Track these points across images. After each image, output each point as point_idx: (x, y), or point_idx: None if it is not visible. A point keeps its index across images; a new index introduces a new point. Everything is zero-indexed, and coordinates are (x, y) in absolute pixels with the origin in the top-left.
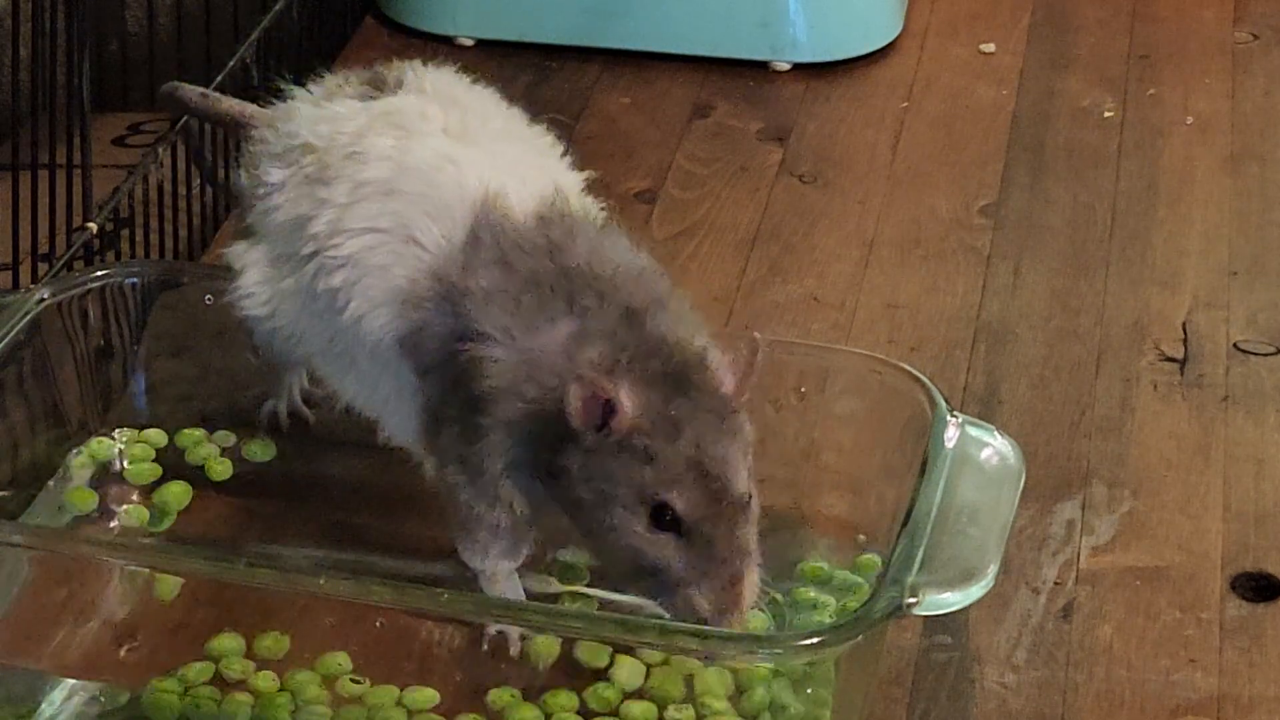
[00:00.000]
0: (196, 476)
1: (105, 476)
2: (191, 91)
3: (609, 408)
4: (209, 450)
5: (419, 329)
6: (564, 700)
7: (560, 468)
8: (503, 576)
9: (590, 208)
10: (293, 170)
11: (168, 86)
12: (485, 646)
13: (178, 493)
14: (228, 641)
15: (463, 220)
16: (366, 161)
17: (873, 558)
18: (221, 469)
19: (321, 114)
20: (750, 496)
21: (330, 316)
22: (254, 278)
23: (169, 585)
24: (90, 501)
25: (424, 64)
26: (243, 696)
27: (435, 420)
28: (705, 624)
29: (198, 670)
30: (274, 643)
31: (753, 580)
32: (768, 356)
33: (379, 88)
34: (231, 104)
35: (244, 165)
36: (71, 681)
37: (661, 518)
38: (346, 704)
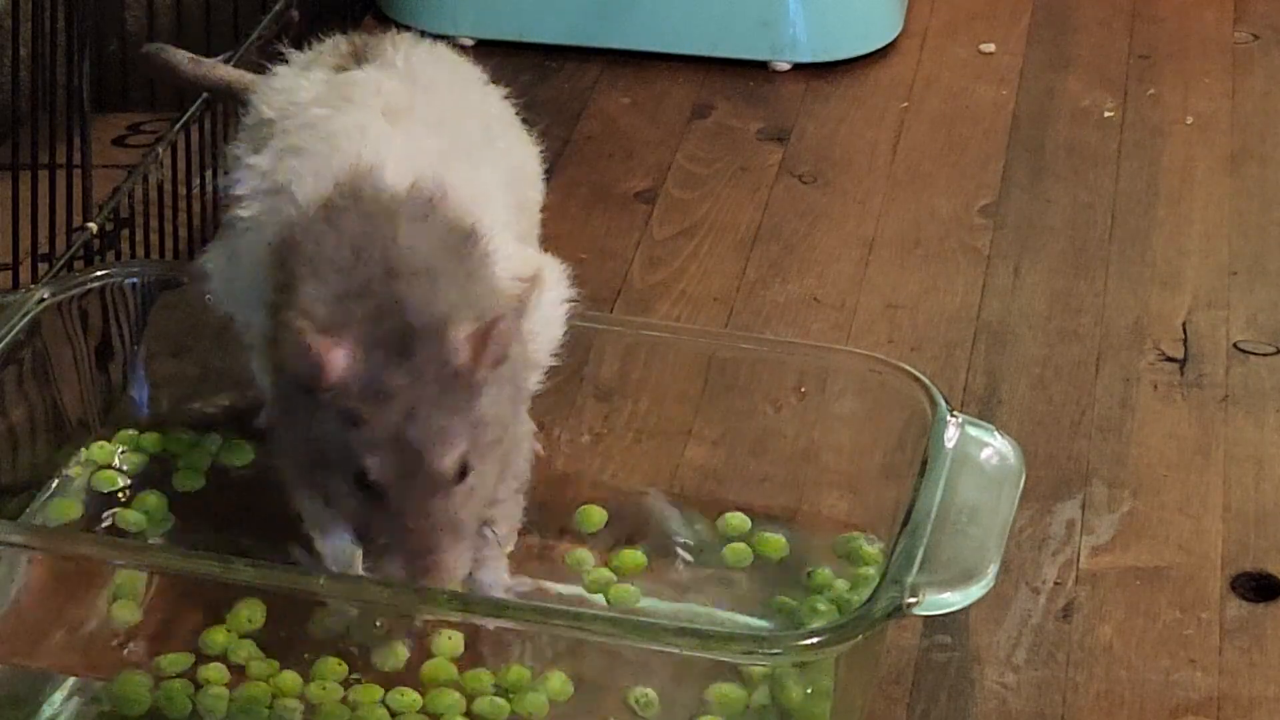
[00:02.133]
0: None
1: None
2: (179, 55)
3: (317, 364)
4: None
5: (274, 288)
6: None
7: (294, 419)
8: (331, 545)
9: (489, 215)
10: (252, 144)
11: (153, 47)
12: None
13: (153, 503)
14: (217, 635)
15: (332, 182)
16: (295, 130)
17: (871, 549)
18: (190, 480)
19: (285, 85)
20: (464, 471)
21: (241, 282)
22: (211, 259)
23: (129, 609)
24: (73, 511)
25: (418, 38)
26: (217, 690)
27: (273, 388)
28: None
29: (170, 660)
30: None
31: (454, 555)
32: (512, 330)
33: (357, 59)
34: (225, 71)
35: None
36: (71, 681)
37: (363, 481)
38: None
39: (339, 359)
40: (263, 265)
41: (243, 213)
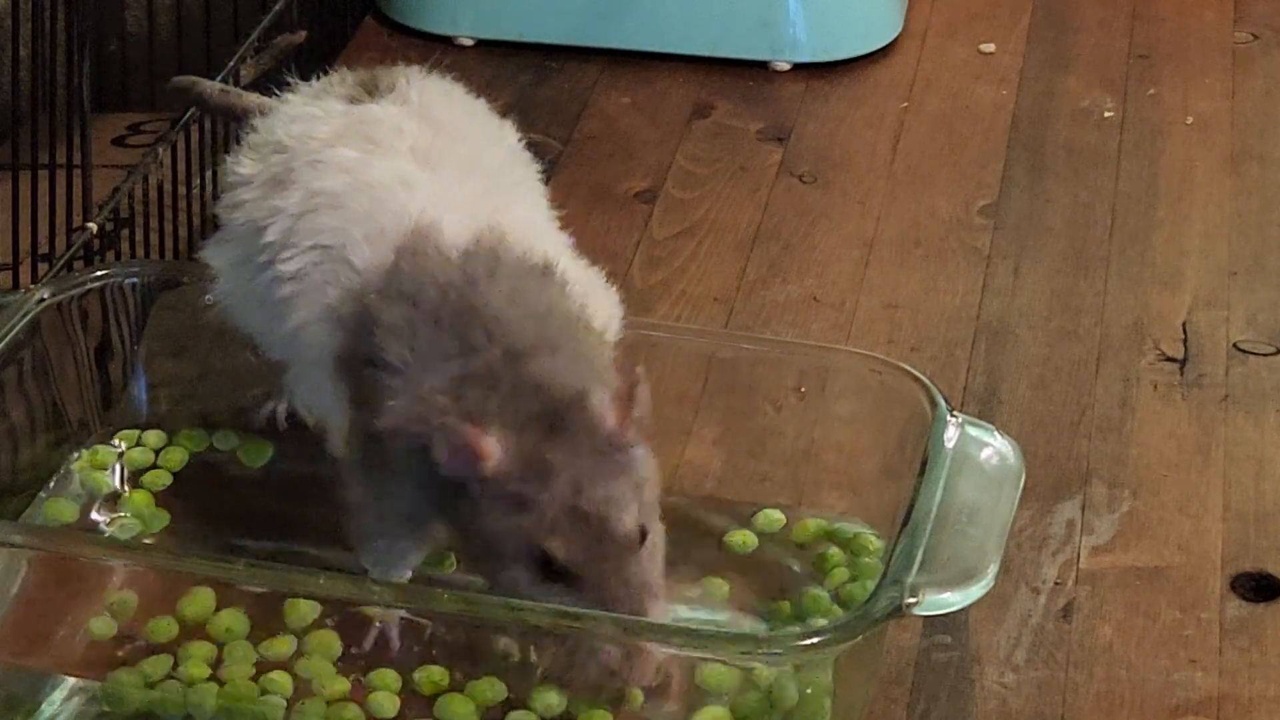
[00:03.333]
0: (197, 474)
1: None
2: (210, 87)
3: (472, 454)
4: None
5: (345, 349)
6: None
7: (453, 513)
8: (392, 570)
9: (545, 244)
10: (262, 168)
11: (183, 81)
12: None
13: (141, 501)
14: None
15: (392, 246)
16: (325, 172)
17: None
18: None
19: (300, 113)
20: (644, 533)
21: (280, 325)
22: (224, 282)
23: (107, 625)
24: (70, 514)
25: (423, 72)
26: (207, 686)
27: (354, 437)
28: (613, 675)
29: (152, 664)
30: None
31: (658, 616)
32: (647, 391)
33: (370, 91)
34: (251, 99)
35: (233, 153)
36: (72, 681)
37: (548, 566)
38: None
39: (494, 447)
40: (329, 325)
41: (283, 264)
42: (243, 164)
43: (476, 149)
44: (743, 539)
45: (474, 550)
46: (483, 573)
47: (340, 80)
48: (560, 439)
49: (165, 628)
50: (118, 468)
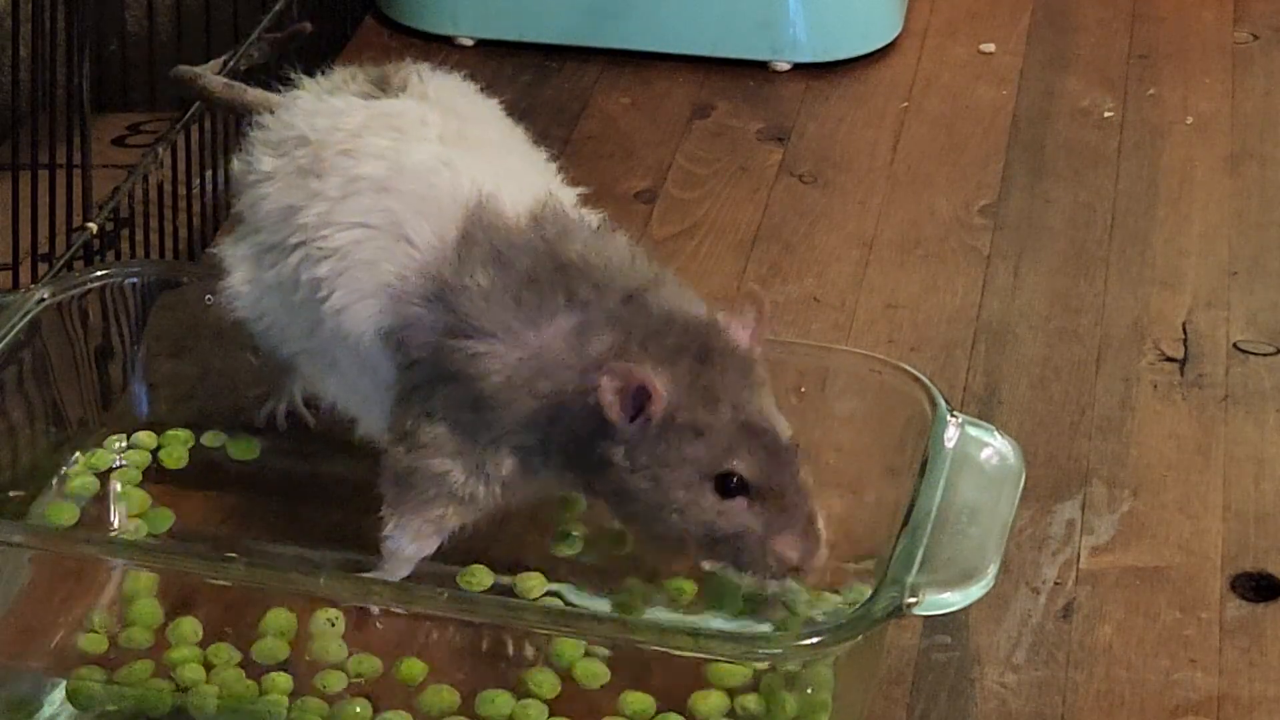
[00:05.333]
0: (197, 474)
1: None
2: (214, 81)
3: (643, 394)
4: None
5: (406, 325)
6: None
7: (601, 461)
8: (410, 562)
9: (583, 212)
10: (285, 160)
11: (186, 72)
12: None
13: (137, 498)
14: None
15: (455, 220)
16: (362, 158)
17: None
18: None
19: (321, 107)
20: (797, 443)
21: (312, 308)
22: (241, 274)
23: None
24: (70, 516)
25: (431, 69)
26: (164, 683)
27: (424, 412)
28: (797, 571)
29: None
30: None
31: (822, 517)
32: (772, 309)
33: (383, 88)
34: (255, 94)
35: (241, 151)
36: None
37: (728, 486)
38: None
39: (663, 382)
40: (382, 301)
41: (321, 242)
42: (262, 161)
43: (499, 136)
44: None
45: (631, 499)
46: (644, 520)
47: (350, 76)
48: (712, 365)
49: (140, 635)
50: (116, 469)
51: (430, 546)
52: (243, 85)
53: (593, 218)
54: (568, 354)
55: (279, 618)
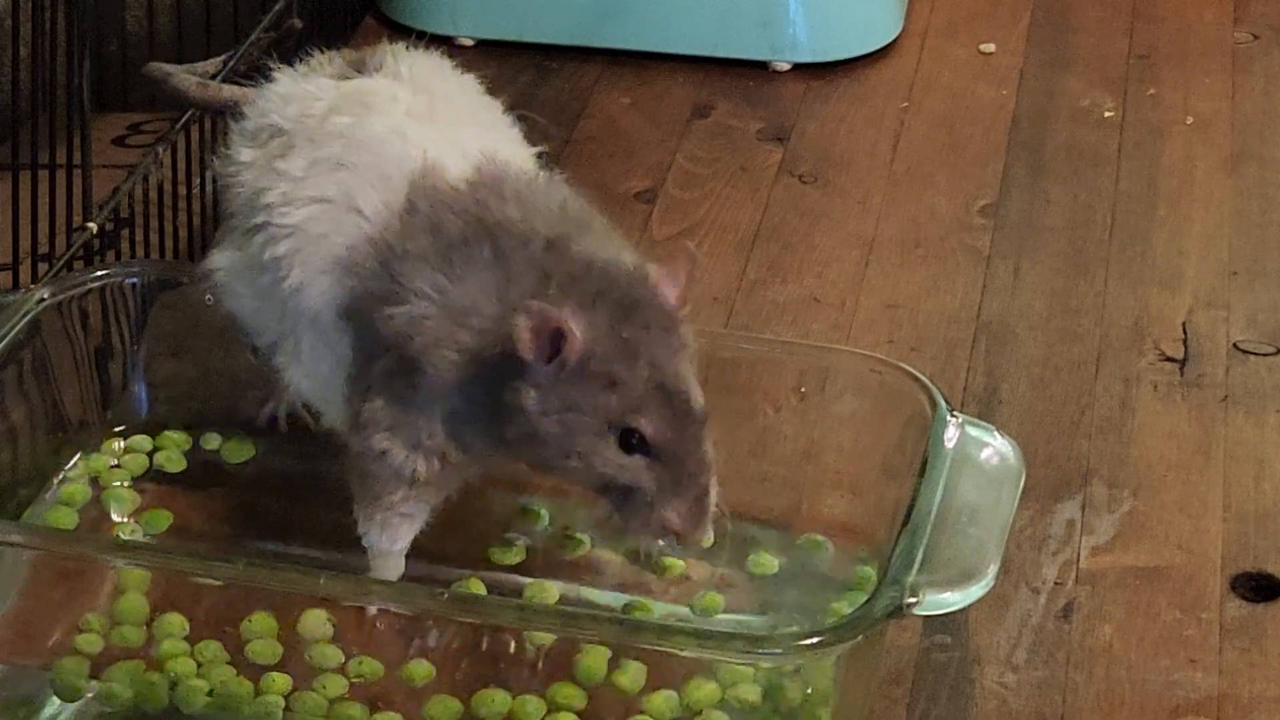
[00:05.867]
0: (196, 475)
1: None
2: (187, 80)
3: (558, 336)
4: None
5: (357, 297)
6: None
7: (513, 407)
8: (394, 556)
9: (529, 170)
10: (261, 150)
11: (156, 70)
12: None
13: (131, 500)
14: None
15: (401, 189)
16: (324, 141)
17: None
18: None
19: (295, 91)
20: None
21: (276, 288)
22: (223, 264)
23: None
24: (69, 520)
25: (409, 49)
26: (155, 677)
27: (366, 388)
28: (677, 539)
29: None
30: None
31: (715, 491)
32: (701, 267)
33: (359, 69)
34: (232, 91)
35: (223, 147)
36: None
37: (629, 441)
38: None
39: (578, 326)
40: (335, 275)
41: (281, 220)
42: (241, 152)
43: (468, 109)
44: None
45: (537, 443)
46: (545, 464)
47: (328, 60)
48: (634, 318)
49: (130, 633)
50: (113, 469)
51: (403, 537)
52: (218, 84)
53: (534, 172)
54: (487, 303)
55: (266, 620)
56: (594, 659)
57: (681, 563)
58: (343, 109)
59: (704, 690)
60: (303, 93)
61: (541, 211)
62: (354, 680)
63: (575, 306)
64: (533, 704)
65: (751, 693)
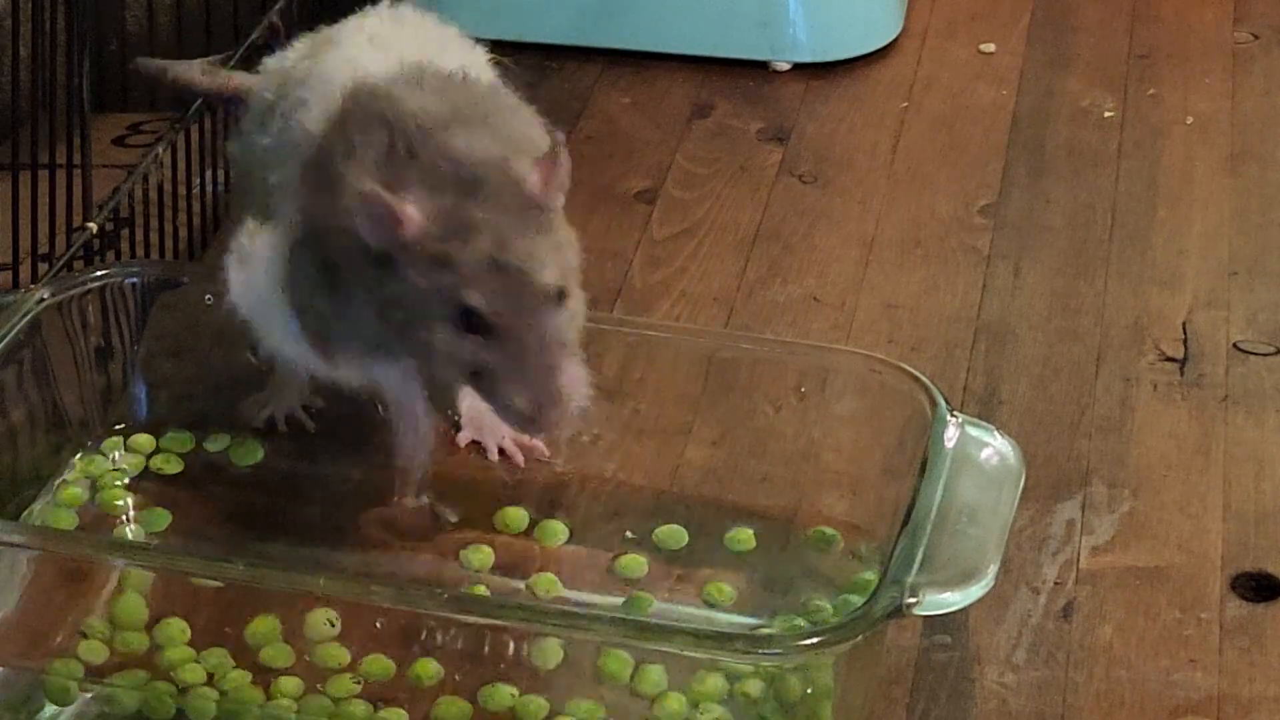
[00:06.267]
0: (195, 476)
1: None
2: (192, 69)
3: (392, 219)
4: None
5: (299, 213)
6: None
7: (380, 295)
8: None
9: (456, 69)
10: (261, 122)
11: (149, 65)
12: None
13: (109, 498)
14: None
15: (338, 101)
16: (295, 88)
17: (831, 532)
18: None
19: (276, 65)
20: (564, 292)
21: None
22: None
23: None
24: (69, 521)
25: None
26: (161, 685)
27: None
28: (531, 422)
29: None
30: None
31: (574, 374)
32: (567, 154)
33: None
34: (242, 78)
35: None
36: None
37: (469, 321)
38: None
39: (412, 211)
40: (292, 201)
41: (263, 140)
42: (246, 125)
43: (433, 43)
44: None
45: (400, 328)
46: (412, 352)
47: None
48: (480, 200)
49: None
50: (114, 471)
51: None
52: (227, 71)
53: (463, 72)
54: (351, 191)
55: (267, 623)
56: (616, 663)
57: (644, 560)
58: (312, 53)
59: (709, 683)
60: (281, 58)
61: (443, 100)
62: (355, 680)
63: (417, 190)
64: (536, 703)
65: (754, 687)
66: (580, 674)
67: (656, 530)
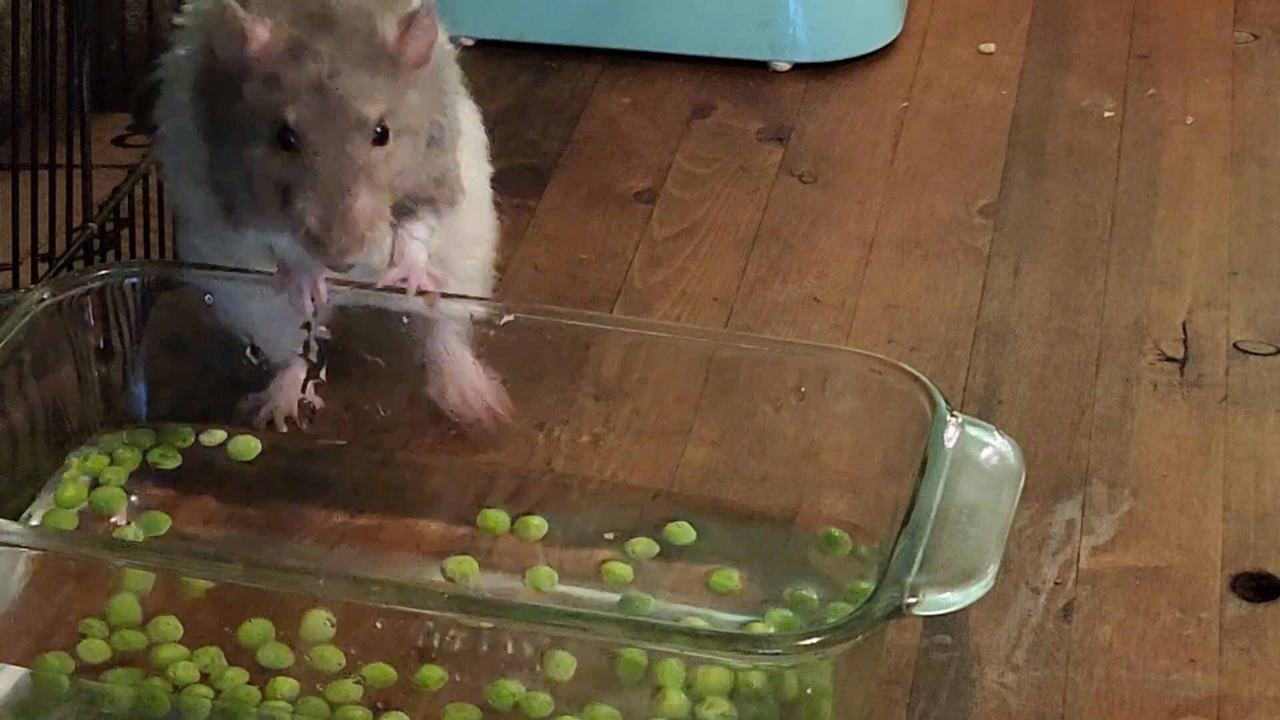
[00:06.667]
0: (194, 475)
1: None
2: None
3: (243, 34)
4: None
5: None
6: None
7: (216, 107)
8: None
9: None
10: None
11: None
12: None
13: (107, 497)
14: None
15: None
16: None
17: (840, 534)
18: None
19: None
20: (385, 131)
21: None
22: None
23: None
24: (68, 521)
25: None
26: (158, 682)
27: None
28: (317, 243)
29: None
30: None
31: (369, 204)
32: (435, 26)
33: None
34: None
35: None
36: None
37: (286, 139)
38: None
39: (261, 29)
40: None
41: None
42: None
43: None
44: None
45: (225, 147)
46: (224, 165)
47: None
48: (329, 35)
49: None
50: (113, 471)
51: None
52: None
53: None
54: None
55: (262, 624)
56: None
57: (628, 568)
58: None
59: (714, 675)
60: None
61: None
62: (356, 681)
63: (279, 19)
64: (540, 699)
65: (756, 678)
66: (597, 680)
67: (665, 528)
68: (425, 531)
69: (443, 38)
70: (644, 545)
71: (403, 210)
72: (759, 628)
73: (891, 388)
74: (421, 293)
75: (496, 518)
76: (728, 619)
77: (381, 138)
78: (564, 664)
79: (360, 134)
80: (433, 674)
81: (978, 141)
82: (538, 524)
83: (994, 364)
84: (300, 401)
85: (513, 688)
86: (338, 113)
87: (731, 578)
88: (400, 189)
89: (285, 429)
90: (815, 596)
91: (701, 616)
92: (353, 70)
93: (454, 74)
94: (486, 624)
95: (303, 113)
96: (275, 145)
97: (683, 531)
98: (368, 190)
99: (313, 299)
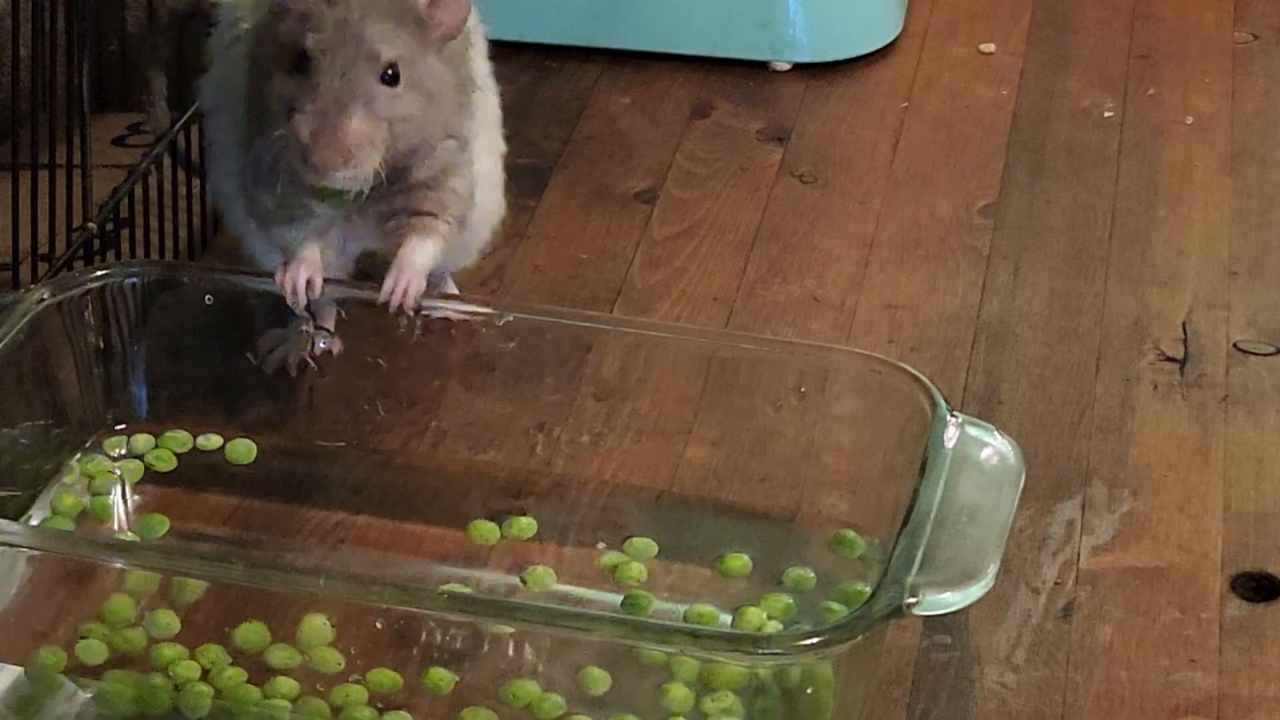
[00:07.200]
0: (192, 476)
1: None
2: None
3: None
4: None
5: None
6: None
7: (256, 78)
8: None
9: None
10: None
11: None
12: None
13: (107, 503)
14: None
15: None
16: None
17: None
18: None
19: None
20: (393, 75)
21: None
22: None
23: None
24: (68, 521)
25: None
26: (158, 680)
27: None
28: (305, 150)
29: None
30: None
31: (360, 127)
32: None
33: None
34: None
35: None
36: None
37: (301, 63)
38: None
39: None
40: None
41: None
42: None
43: None
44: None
45: (255, 87)
46: (254, 106)
47: None
48: None
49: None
50: (110, 473)
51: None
52: None
53: None
54: None
55: (258, 627)
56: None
57: (639, 566)
58: None
59: (729, 670)
60: None
61: None
62: (355, 681)
63: None
64: (552, 700)
65: (764, 671)
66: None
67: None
68: (425, 532)
69: (478, 24)
70: (644, 545)
71: (413, 212)
72: (753, 613)
73: (891, 388)
74: (400, 307)
75: (486, 528)
76: (728, 619)
77: (392, 80)
78: (598, 680)
79: (369, 67)
80: (441, 676)
81: (978, 141)
82: (527, 522)
83: (994, 364)
84: (313, 353)
85: (528, 688)
86: (353, 44)
87: (740, 558)
88: (401, 138)
89: (294, 374)
90: (813, 575)
91: (703, 613)
92: (379, 18)
93: (484, 65)
94: (493, 627)
95: (321, 41)
96: (291, 70)
97: (646, 546)
98: (363, 115)
99: (307, 292)
